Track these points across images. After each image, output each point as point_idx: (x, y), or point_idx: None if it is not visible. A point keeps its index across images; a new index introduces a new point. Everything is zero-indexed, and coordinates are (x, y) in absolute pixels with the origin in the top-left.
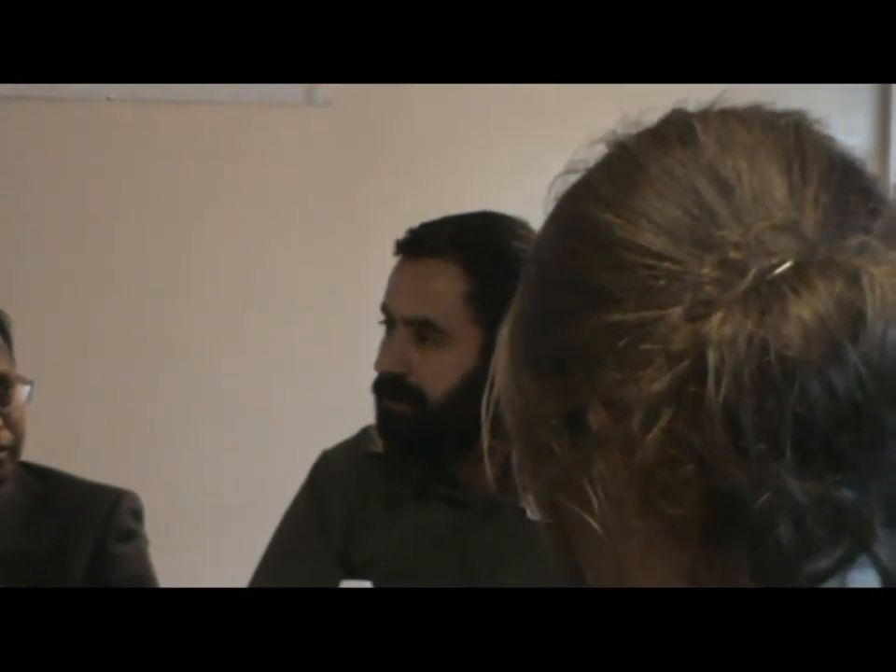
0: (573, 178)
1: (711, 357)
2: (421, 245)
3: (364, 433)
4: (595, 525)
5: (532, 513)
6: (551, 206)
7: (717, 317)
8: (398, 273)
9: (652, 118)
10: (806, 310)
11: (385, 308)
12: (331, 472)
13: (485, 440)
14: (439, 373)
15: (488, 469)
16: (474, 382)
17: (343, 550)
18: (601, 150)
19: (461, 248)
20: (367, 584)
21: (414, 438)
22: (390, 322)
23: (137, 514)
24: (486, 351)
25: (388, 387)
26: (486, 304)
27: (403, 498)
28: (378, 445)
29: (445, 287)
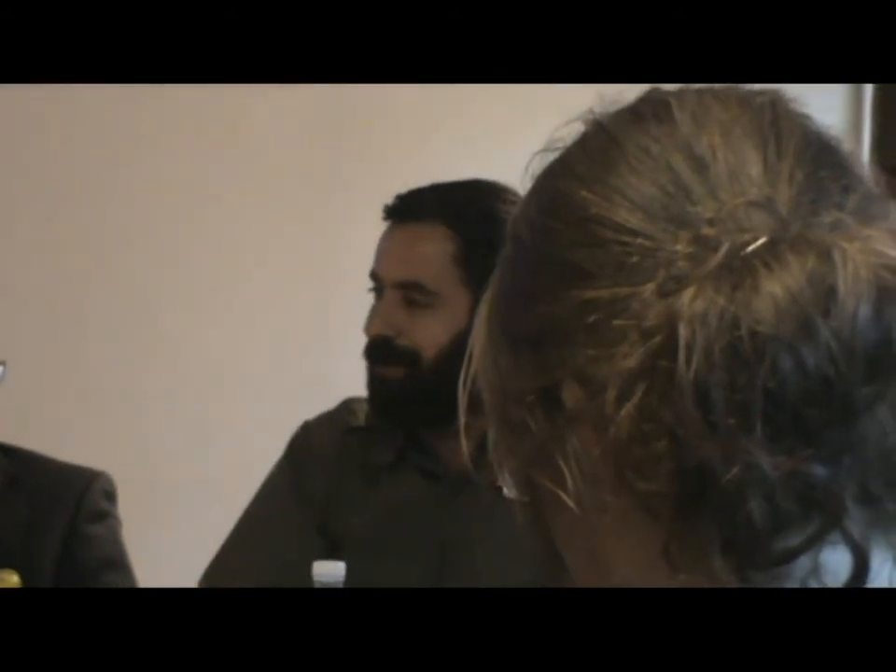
0: (550, 156)
1: (682, 332)
2: (408, 209)
3: (345, 406)
4: (570, 502)
5: (508, 491)
6: (528, 184)
7: (689, 293)
8: (386, 238)
9: (629, 96)
10: (778, 285)
11: (373, 274)
12: (311, 444)
13: (462, 416)
14: (429, 335)
15: (464, 445)
16: (464, 343)
17: (320, 520)
18: (578, 129)
19: (448, 211)
20: (341, 564)
21: (406, 401)
22: (379, 288)
23: (110, 495)
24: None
25: (379, 351)
26: (475, 266)
27: (380, 469)
28: (359, 419)
29: (433, 249)
